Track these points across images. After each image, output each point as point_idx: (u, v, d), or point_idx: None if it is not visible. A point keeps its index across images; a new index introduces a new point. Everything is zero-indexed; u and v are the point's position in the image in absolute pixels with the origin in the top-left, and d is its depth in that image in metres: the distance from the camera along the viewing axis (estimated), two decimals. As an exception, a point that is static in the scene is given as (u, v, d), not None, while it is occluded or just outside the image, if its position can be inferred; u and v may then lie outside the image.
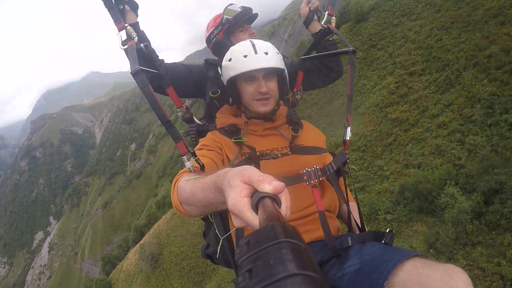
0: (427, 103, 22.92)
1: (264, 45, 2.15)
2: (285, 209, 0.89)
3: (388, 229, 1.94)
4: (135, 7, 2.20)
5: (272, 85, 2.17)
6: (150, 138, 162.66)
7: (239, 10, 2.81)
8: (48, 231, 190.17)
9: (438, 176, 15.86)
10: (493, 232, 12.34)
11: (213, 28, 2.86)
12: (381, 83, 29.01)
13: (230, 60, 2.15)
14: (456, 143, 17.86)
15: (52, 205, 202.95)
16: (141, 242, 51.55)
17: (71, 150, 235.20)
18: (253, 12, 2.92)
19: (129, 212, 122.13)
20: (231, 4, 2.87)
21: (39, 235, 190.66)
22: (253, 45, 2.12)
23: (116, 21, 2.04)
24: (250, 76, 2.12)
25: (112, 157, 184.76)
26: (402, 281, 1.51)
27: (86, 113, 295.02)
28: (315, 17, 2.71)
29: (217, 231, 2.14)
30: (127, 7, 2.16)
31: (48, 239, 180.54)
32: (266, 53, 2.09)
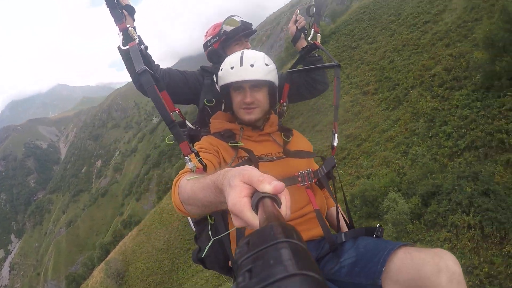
0: (377, 120, 24.40)
1: (252, 57, 2.21)
2: (285, 209, 0.89)
3: (378, 224, 2.07)
4: (132, 12, 2.22)
5: (259, 96, 2.24)
6: (116, 155, 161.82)
7: (238, 24, 2.87)
8: (9, 249, 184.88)
9: (384, 184, 17.08)
10: (431, 230, 13.49)
11: (211, 36, 2.92)
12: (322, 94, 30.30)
13: (221, 70, 2.26)
14: (400, 154, 19.22)
15: (13, 222, 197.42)
16: (107, 259, 51.61)
17: (34, 165, 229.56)
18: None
19: (94, 231, 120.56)
20: (232, 16, 2.93)
21: (0, 253, 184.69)
22: (241, 57, 2.19)
23: (118, 21, 2.09)
24: (237, 86, 2.21)
25: (77, 174, 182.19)
26: (397, 266, 1.63)
27: (51, 127, 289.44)
28: (302, 35, 2.86)
29: (210, 232, 2.17)
30: (124, 11, 2.19)
31: (9, 258, 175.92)
32: (252, 65, 2.15)
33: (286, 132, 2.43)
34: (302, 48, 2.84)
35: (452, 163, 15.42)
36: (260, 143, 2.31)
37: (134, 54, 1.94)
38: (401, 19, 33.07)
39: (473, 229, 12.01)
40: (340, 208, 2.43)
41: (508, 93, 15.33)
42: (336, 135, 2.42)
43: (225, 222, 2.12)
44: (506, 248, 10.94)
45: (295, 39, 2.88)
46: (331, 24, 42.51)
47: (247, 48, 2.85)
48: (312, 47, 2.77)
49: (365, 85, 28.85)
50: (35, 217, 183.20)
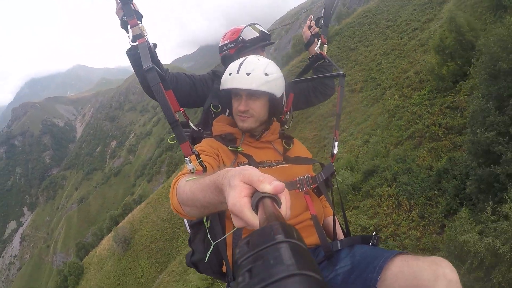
0: (357, 115, 27.36)
1: (252, 65, 2.16)
2: (285, 209, 0.89)
3: (374, 233, 2.10)
4: (139, 18, 2.17)
5: (255, 105, 2.20)
6: (131, 137, 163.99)
7: (257, 34, 2.85)
8: (21, 221, 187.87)
9: (341, 165, 20.14)
10: (365, 200, 16.89)
11: (228, 41, 2.88)
12: (329, 98, 33.38)
13: (224, 74, 2.27)
14: (362, 142, 22.39)
15: (27, 196, 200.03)
16: (116, 227, 55.20)
17: (51, 141, 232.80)
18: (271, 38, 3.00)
19: (105, 209, 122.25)
20: (253, 24, 2.91)
21: (12, 225, 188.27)
22: (240, 64, 2.17)
23: (129, 17, 2.09)
24: (235, 93, 2.23)
25: (92, 153, 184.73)
26: (394, 273, 1.63)
27: (69, 106, 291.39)
28: (316, 40, 2.88)
29: (208, 236, 2.08)
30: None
31: (21, 230, 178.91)
32: (248, 74, 2.11)
33: (287, 140, 2.43)
34: (308, 58, 2.92)
35: (395, 149, 18.58)
36: (261, 149, 2.31)
37: (143, 51, 1.95)
38: (395, 25, 35.27)
39: (391, 198, 15.29)
40: (343, 212, 2.45)
41: (450, 94, 18.23)
42: (336, 143, 2.43)
43: (222, 226, 2.06)
44: (411, 214, 13.91)
45: (309, 44, 2.95)
46: (336, 26, 45.11)
47: None
48: (318, 57, 2.83)
49: (354, 84, 31.35)
50: (48, 192, 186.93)
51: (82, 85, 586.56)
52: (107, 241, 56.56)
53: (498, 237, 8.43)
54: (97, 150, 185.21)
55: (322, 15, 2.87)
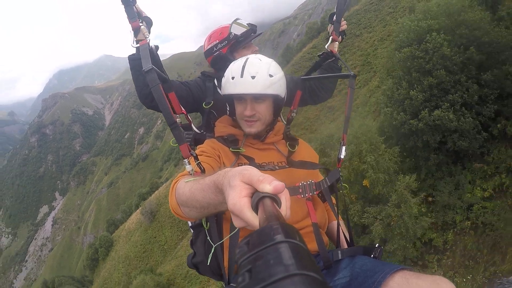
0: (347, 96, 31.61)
1: (255, 67, 2.09)
2: (285, 209, 0.89)
3: (377, 244, 2.03)
4: (149, 24, 2.24)
5: (260, 108, 2.14)
6: (158, 123, 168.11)
7: (247, 27, 2.82)
8: (53, 205, 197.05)
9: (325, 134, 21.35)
10: None
11: (217, 41, 2.82)
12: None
13: (224, 77, 2.19)
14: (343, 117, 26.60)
15: (58, 181, 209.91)
16: (144, 201, 60.29)
17: (80, 130, 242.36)
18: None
19: (133, 192, 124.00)
20: (238, 19, 2.86)
21: (44, 209, 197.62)
22: (243, 67, 2.08)
23: (131, 19, 2.11)
24: (239, 97, 2.13)
25: (120, 139, 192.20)
26: None
27: (97, 95, 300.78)
28: (340, 38, 2.75)
29: (208, 238, 2.05)
30: (144, 23, 2.20)
31: (53, 214, 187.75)
32: (253, 77, 2.04)
33: (291, 141, 2.36)
34: (318, 55, 2.79)
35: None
36: (263, 151, 2.27)
37: (144, 53, 1.97)
38: (395, 12, 37.85)
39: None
40: (342, 222, 2.39)
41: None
42: (344, 148, 2.33)
43: (220, 228, 2.05)
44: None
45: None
46: (346, 13, 48.87)
47: (255, 52, 2.80)
48: (328, 55, 2.72)
49: (353, 68, 33.54)
50: (79, 177, 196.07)
51: (109, 75, 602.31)
52: (135, 216, 61.95)
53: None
54: (126, 136, 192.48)
55: (335, 10, 2.75)
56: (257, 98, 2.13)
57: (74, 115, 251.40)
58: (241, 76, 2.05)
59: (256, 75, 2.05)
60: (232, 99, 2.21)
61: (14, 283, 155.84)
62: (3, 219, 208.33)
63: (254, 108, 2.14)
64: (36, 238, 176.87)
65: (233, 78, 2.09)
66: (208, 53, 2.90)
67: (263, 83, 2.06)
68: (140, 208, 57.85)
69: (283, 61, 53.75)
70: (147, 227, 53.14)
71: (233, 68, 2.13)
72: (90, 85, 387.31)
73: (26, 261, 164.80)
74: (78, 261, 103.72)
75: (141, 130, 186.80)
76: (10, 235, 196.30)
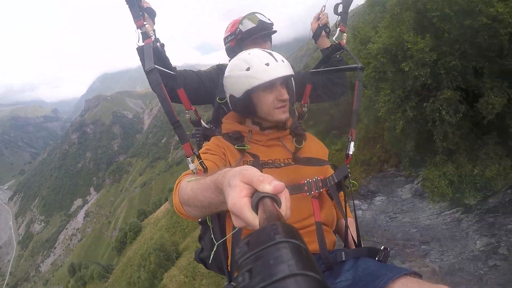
0: None
1: (278, 54, 2.13)
2: (285, 209, 0.89)
3: (382, 247, 1.93)
4: (152, 15, 2.23)
5: (287, 93, 2.13)
6: (193, 131, 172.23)
7: (254, 24, 2.79)
8: (87, 199, 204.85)
9: None
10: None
11: (229, 33, 2.89)
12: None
13: (248, 69, 2.05)
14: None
15: (94, 178, 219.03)
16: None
17: (119, 131, 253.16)
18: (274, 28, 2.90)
19: (165, 195, 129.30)
20: (253, 14, 2.85)
21: (78, 201, 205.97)
22: (270, 53, 2.08)
23: (136, 18, 2.10)
24: (269, 85, 2.06)
25: (157, 143, 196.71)
26: None
27: (138, 99, 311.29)
28: (323, 32, 2.76)
29: (212, 236, 2.04)
30: (145, 14, 2.20)
31: (86, 207, 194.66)
32: (283, 61, 2.08)
33: (298, 137, 2.31)
34: (327, 48, 2.73)
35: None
36: (269, 147, 2.23)
37: (147, 52, 1.96)
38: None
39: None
40: (353, 219, 2.35)
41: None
42: (352, 143, 2.23)
43: (223, 226, 2.06)
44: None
45: (316, 36, 2.82)
46: None
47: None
48: (337, 47, 2.63)
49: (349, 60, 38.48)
50: (115, 176, 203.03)
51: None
52: (164, 207, 66.45)
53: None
54: (162, 141, 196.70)
55: (341, 1, 2.68)
56: (283, 83, 2.13)
57: (115, 117, 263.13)
58: (276, 60, 2.05)
59: (283, 59, 2.10)
60: (250, 96, 2.10)
61: (40, 267, 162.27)
62: (38, 207, 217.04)
63: (286, 92, 2.12)
64: (67, 228, 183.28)
65: (268, 64, 2.02)
66: (224, 42, 2.99)
67: (289, 65, 2.12)
68: (168, 200, 61.40)
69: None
70: (173, 214, 57.05)
71: (259, 57, 2.08)
72: (131, 90, 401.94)
73: (55, 248, 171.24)
74: (105, 252, 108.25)
75: (194, 131, 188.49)
76: (43, 222, 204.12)
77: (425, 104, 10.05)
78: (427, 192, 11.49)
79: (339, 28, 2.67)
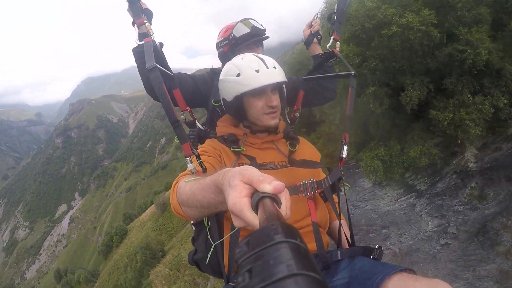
0: None
1: (271, 60, 2.16)
2: (285, 209, 0.89)
3: (377, 245, 2.01)
4: (150, 16, 2.19)
5: (277, 98, 2.18)
6: None
7: (248, 30, 2.81)
8: (72, 205, 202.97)
9: None
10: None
11: (222, 39, 2.89)
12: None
13: (238, 75, 2.10)
14: None
15: (79, 183, 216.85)
16: (157, 195, 65.64)
17: (104, 135, 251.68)
18: (266, 34, 2.94)
19: (151, 198, 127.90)
20: (246, 19, 2.88)
21: (63, 207, 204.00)
22: (262, 60, 2.11)
23: (136, 16, 2.10)
24: (259, 91, 2.10)
25: (142, 148, 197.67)
26: None
27: (123, 103, 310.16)
28: (315, 39, 2.87)
29: (209, 237, 2.07)
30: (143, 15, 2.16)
31: (71, 212, 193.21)
32: (275, 68, 2.10)
33: (292, 140, 2.37)
34: (319, 55, 2.84)
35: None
36: (264, 150, 2.27)
37: (147, 51, 1.96)
38: None
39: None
40: (345, 222, 2.43)
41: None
42: (345, 147, 2.34)
43: (220, 227, 2.05)
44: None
45: (307, 42, 2.91)
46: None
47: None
48: (330, 55, 2.72)
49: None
50: (99, 180, 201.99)
51: (136, 85, 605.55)
52: (149, 210, 66.16)
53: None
54: (147, 145, 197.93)
55: (335, 10, 2.77)
56: (274, 89, 2.16)
57: (99, 121, 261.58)
58: (267, 67, 2.08)
59: (275, 65, 2.13)
60: (241, 101, 2.16)
61: (25, 274, 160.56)
62: (22, 212, 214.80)
63: (276, 99, 2.17)
64: (52, 234, 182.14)
65: (257, 71, 2.06)
66: (216, 47, 2.99)
67: (282, 72, 2.15)
68: (154, 203, 61.87)
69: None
70: (159, 217, 57.75)
71: (250, 63, 2.12)
72: (116, 94, 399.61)
73: (40, 254, 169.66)
74: (91, 258, 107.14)
75: (163, 140, 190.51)
76: (27, 229, 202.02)
77: (357, 98, 11.43)
78: (362, 169, 12.78)
79: (332, 37, 2.77)
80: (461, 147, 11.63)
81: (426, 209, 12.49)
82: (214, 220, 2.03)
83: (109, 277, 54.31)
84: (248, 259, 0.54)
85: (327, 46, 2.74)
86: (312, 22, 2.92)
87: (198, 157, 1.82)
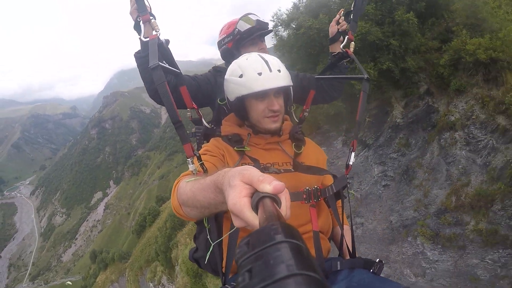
0: None
1: (276, 62, 2.12)
2: (285, 209, 0.90)
3: (377, 259, 1.96)
4: (153, 17, 2.15)
5: (280, 102, 2.16)
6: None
7: (252, 24, 2.80)
8: (107, 192, 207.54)
9: None
10: None
11: (225, 35, 2.90)
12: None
13: (241, 76, 2.10)
14: None
15: (114, 171, 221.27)
16: None
17: (137, 126, 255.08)
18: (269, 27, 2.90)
19: None
20: (248, 14, 2.87)
21: (98, 194, 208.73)
22: (266, 62, 2.08)
23: (142, 12, 2.09)
24: (262, 94, 2.09)
25: (174, 137, 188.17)
26: None
27: None
28: (341, 38, 2.79)
29: (208, 237, 2.07)
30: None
31: (106, 199, 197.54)
32: (279, 71, 2.07)
33: (297, 142, 2.34)
34: (334, 55, 2.78)
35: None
36: (268, 151, 2.26)
37: (152, 48, 1.94)
38: None
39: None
40: (348, 227, 2.37)
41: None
42: (353, 154, 2.27)
43: (219, 227, 2.06)
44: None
45: (333, 40, 2.86)
46: None
47: (262, 49, 2.85)
48: (343, 55, 2.68)
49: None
50: (133, 169, 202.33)
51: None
52: None
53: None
54: None
55: (352, 9, 2.68)
56: (277, 92, 2.15)
57: (133, 112, 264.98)
58: (270, 70, 2.05)
59: (280, 68, 2.10)
60: (243, 102, 2.17)
61: (62, 257, 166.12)
62: (59, 200, 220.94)
63: (278, 103, 2.15)
64: (87, 220, 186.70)
65: (260, 74, 2.04)
66: (219, 45, 2.98)
67: (287, 76, 2.13)
68: None
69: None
70: None
71: (253, 65, 2.10)
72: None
73: (76, 238, 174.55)
74: (125, 242, 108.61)
75: (194, 130, 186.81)
76: (64, 215, 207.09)
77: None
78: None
79: (347, 36, 2.69)
80: (390, 107, 14.96)
81: (373, 159, 15.66)
82: (213, 221, 2.06)
83: (141, 253, 56.67)
84: (248, 259, 0.54)
85: (341, 46, 2.74)
86: (339, 19, 2.85)
87: (199, 158, 1.85)
